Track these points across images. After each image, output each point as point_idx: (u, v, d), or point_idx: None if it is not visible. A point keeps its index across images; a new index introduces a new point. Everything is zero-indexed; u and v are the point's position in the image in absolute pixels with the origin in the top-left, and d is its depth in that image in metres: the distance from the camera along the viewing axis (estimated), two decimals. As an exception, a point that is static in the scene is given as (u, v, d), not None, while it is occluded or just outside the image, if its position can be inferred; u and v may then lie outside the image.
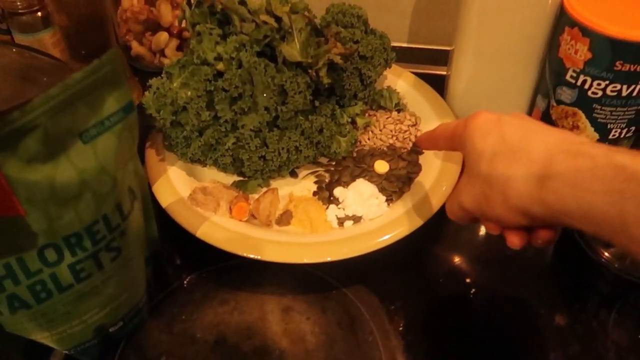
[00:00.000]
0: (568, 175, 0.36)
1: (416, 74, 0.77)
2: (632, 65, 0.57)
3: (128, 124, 0.43)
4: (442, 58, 0.80)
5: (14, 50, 0.57)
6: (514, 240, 0.43)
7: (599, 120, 0.62)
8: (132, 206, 0.47)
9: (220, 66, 0.60)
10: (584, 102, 0.62)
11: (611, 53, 0.57)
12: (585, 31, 0.58)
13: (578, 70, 0.60)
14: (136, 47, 0.80)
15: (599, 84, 0.60)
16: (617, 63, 0.57)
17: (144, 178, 0.50)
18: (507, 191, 0.40)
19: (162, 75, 0.63)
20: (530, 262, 0.60)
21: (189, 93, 0.60)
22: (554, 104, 0.65)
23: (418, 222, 0.57)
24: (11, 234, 0.38)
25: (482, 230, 0.63)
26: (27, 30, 0.70)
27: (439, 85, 0.76)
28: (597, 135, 0.64)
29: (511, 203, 0.40)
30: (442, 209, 0.58)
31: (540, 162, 0.39)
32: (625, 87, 0.59)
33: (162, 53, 0.81)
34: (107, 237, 0.44)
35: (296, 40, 0.59)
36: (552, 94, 0.65)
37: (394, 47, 0.71)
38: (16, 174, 0.36)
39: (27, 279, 0.41)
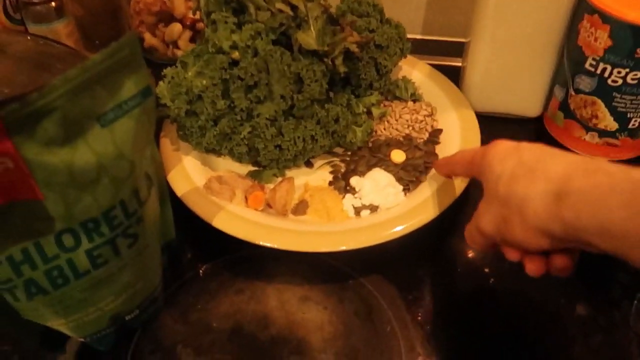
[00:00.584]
0: (585, 191, 0.36)
1: (431, 65, 0.77)
2: (653, 53, 0.56)
3: (146, 109, 0.42)
4: (457, 50, 0.80)
5: (29, 38, 0.57)
6: (533, 267, 0.43)
7: (618, 109, 0.62)
8: (149, 192, 0.46)
9: (235, 55, 0.60)
10: (603, 90, 0.61)
11: (632, 40, 0.56)
12: (606, 18, 0.57)
13: (598, 58, 0.60)
14: (149, 39, 0.80)
15: (619, 72, 0.59)
16: (639, 50, 0.56)
17: (161, 165, 0.50)
18: (525, 210, 0.40)
19: (177, 65, 0.62)
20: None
21: (204, 82, 0.59)
22: (573, 93, 0.65)
23: (435, 212, 0.56)
24: (29, 218, 0.38)
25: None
26: (41, 20, 0.70)
27: (454, 76, 0.75)
28: (616, 125, 0.63)
29: (529, 222, 0.40)
30: (460, 199, 0.58)
31: (557, 180, 0.39)
32: (646, 75, 0.58)
33: (175, 45, 0.80)
34: (124, 223, 0.43)
35: (312, 28, 0.59)
36: (570, 83, 0.64)
37: (409, 39, 0.70)
38: (35, 156, 0.36)
39: (44, 264, 0.41)
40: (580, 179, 0.37)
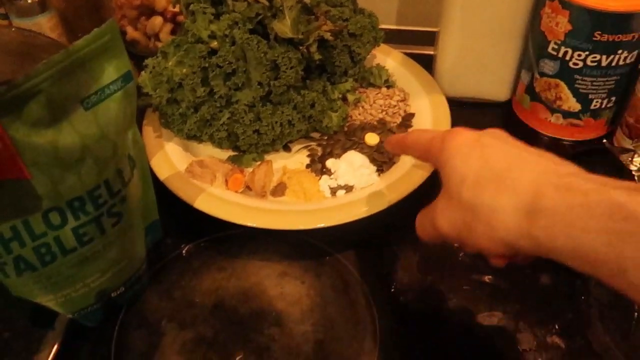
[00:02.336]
0: (559, 212, 0.34)
1: (405, 54, 0.79)
2: (610, 36, 0.59)
3: (127, 93, 0.44)
4: (430, 39, 0.82)
5: (13, 29, 0.58)
6: (498, 262, 0.42)
7: (580, 90, 0.65)
8: (132, 173, 0.48)
9: (214, 44, 0.62)
10: (565, 73, 0.64)
11: (590, 24, 0.59)
12: (565, 4, 0.60)
13: (559, 42, 0.63)
14: (131, 32, 0.82)
15: (579, 55, 0.62)
16: (596, 34, 0.59)
17: (143, 147, 0.52)
18: (493, 222, 0.38)
19: (158, 55, 0.64)
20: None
21: (184, 70, 0.61)
22: (538, 77, 0.67)
23: (408, 190, 0.59)
24: (17, 196, 0.40)
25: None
26: (24, 14, 0.71)
27: (428, 64, 0.78)
28: (579, 106, 0.66)
29: (497, 236, 0.38)
30: (430, 178, 0.60)
31: (527, 193, 0.37)
32: (604, 57, 0.61)
33: (156, 37, 0.82)
34: (109, 202, 0.45)
35: (287, 17, 0.61)
36: (535, 67, 0.67)
37: (382, 29, 0.72)
38: (22, 137, 0.38)
39: (32, 241, 0.42)
40: (552, 195, 0.35)
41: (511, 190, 0.37)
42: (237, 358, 0.50)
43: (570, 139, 0.70)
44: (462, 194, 0.40)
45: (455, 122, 0.67)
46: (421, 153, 0.48)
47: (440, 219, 0.43)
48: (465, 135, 0.43)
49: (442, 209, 0.43)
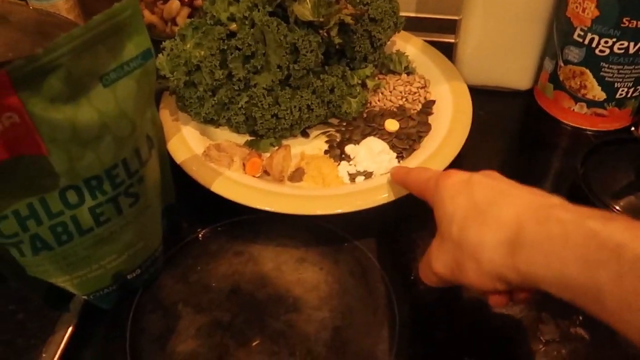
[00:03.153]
0: (539, 243, 0.35)
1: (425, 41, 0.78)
2: (639, 22, 0.58)
3: (146, 71, 0.43)
4: (450, 27, 0.81)
5: (31, 8, 0.58)
6: (497, 300, 0.41)
7: (606, 79, 0.63)
8: (150, 154, 0.48)
9: (233, 26, 0.61)
10: (591, 60, 0.63)
11: (618, 9, 0.58)
12: (593, -12, 0.59)
13: (585, 29, 0.61)
14: (148, 16, 0.81)
15: (606, 42, 0.60)
16: (625, 20, 0.58)
17: (161, 128, 0.51)
18: (479, 257, 0.39)
19: (175, 38, 0.64)
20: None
21: (202, 52, 0.61)
22: (562, 64, 0.66)
23: (428, 177, 0.57)
24: (34, 173, 0.39)
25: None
26: (41, -4, 0.71)
27: (447, 53, 0.77)
28: (604, 95, 0.65)
29: (484, 269, 0.39)
30: (452, 165, 0.59)
31: (510, 227, 0.37)
32: (632, 44, 0.60)
33: (173, 22, 0.81)
34: (126, 182, 0.45)
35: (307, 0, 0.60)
36: (559, 55, 0.66)
37: (402, 16, 0.71)
38: (40, 112, 0.37)
39: (49, 220, 0.42)
40: (533, 228, 0.36)
41: (494, 224, 0.38)
42: (254, 343, 0.49)
43: (594, 128, 0.69)
44: (452, 233, 0.41)
45: (476, 110, 0.66)
46: (419, 192, 0.50)
47: (435, 262, 0.43)
48: (457, 176, 0.44)
49: (436, 252, 0.44)
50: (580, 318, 0.50)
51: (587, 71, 0.64)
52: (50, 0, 0.71)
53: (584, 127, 0.69)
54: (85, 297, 0.50)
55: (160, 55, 0.63)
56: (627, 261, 0.31)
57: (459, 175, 0.44)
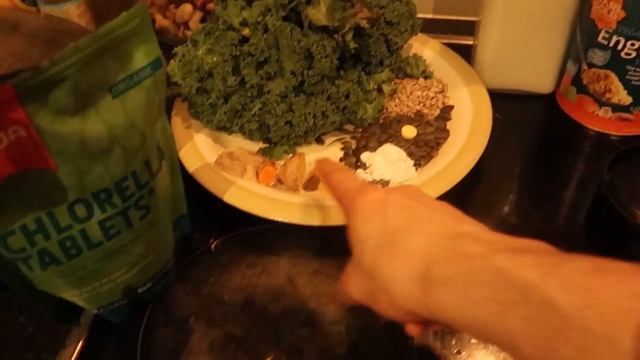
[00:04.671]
0: (448, 281, 0.33)
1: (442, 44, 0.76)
2: (667, 24, 0.56)
3: (156, 81, 0.42)
4: (468, 28, 0.80)
5: (42, 15, 0.57)
6: (412, 330, 0.39)
7: (632, 82, 0.61)
8: (161, 165, 0.47)
9: (245, 31, 0.60)
10: (616, 64, 0.61)
11: (646, 11, 0.56)
12: (619, -11, 0.57)
13: (611, 31, 0.59)
14: (160, 20, 0.80)
15: (632, 44, 0.58)
16: (653, 21, 0.56)
17: (172, 138, 0.50)
18: (391, 292, 0.36)
19: (187, 43, 0.63)
20: (563, 226, 0.59)
21: (215, 58, 0.60)
22: (586, 68, 0.64)
23: (447, 185, 0.56)
24: (42, 187, 0.38)
25: (513, 195, 0.62)
26: (52, 1, 0.70)
27: (466, 55, 0.75)
28: (630, 99, 0.63)
29: (397, 304, 0.36)
30: (472, 173, 0.57)
31: (419, 260, 0.35)
32: (660, 47, 0.57)
33: (186, 26, 0.81)
34: (136, 195, 0.44)
35: (322, 4, 0.59)
36: (583, 57, 0.64)
37: (419, 18, 0.70)
38: (47, 125, 0.36)
39: (57, 234, 0.41)
40: (442, 263, 0.33)
41: (405, 256, 0.36)
42: (268, 359, 0.48)
43: (619, 133, 0.67)
44: (364, 260, 0.38)
45: (496, 115, 0.64)
46: (336, 198, 0.46)
47: (349, 286, 0.41)
48: (373, 195, 0.40)
49: (350, 275, 0.41)
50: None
51: (612, 74, 0.62)
52: (61, 6, 0.71)
53: (608, 132, 0.67)
54: (95, 310, 0.49)
55: (172, 61, 0.62)
56: (536, 304, 0.28)
57: (375, 194, 0.40)
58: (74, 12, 0.72)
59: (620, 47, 0.59)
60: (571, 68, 0.67)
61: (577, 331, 0.26)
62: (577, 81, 0.66)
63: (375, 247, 0.38)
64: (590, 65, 0.63)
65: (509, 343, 0.29)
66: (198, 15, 0.80)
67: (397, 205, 0.39)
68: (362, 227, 0.39)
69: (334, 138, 0.66)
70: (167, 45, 0.80)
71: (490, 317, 0.30)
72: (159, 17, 0.80)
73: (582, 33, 0.63)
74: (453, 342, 0.43)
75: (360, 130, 0.66)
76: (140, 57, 0.41)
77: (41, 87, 0.35)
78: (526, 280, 0.29)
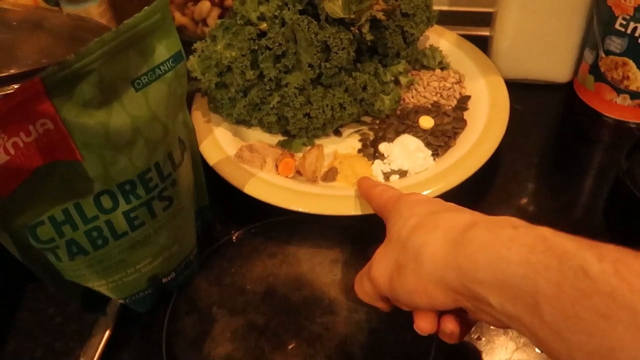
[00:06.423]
0: (485, 241, 0.34)
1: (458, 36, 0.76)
2: (686, 9, 0.55)
3: (178, 74, 0.43)
4: (484, 19, 0.80)
5: (64, 13, 0.58)
6: (422, 324, 0.39)
7: (650, 69, 0.61)
8: (183, 157, 0.47)
9: (263, 26, 0.60)
10: (634, 50, 0.61)
11: (664, -4, 0.55)
12: (636, -25, 0.56)
13: (628, 18, 0.59)
14: (179, 18, 0.81)
15: (650, 31, 0.58)
16: (671, 7, 0.56)
17: (193, 130, 0.51)
18: (422, 256, 0.37)
19: (206, 39, 0.63)
20: (582, 215, 0.59)
21: (233, 53, 0.60)
22: (603, 55, 0.64)
23: (464, 175, 0.56)
24: (69, 179, 0.39)
25: (531, 184, 0.62)
26: (74, 1, 0.71)
27: (482, 46, 0.75)
28: (649, 86, 0.62)
29: (424, 270, 0.36)
30: (489, 163, 0.58)
31: (459, 228, 0.36)
32: (678, 32, 0.57)
33: (204, 23, 0.81)
34: (160, 186, 0.45)
35: (338, -4, 0.59)
36: (600, 45, 0.64)
37: (435, 10, 0.70)
38: (73, 118, 0.37)
39: (84, 225, 0.42)
40: (483, 229, 0.35)
41: (445, 226, 0.37)
42: (290, 347, 0.48)
43: (637, 121, 0.66)
44: (400, 235, 0.40)
45: (513, 105, 0.64)
46: (379, 209, 0.48)
47: (375, 267, 0.41)
48: (417, 195, 0.45)
49: (379, 257, 0.42)
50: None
51: (630, 61, 0.61)
52: (82, 5, 0.72)
53: (627, 120, 0.67)
54: (121, 300, 0.50)
55: (191, 57, 0.63)
56: (569, 269, 0.29)
57: (419, 195, 0.45)
58: (95, 11, 0.73)
59: (638, 33, 0.59)
60: (588, 56, 0.67)
61: (601, 297, 0.27)
62: (594, 69, 0.66)
63: (417, 222, 0.39)
64: (608, 53, 0.63)
65: (531, 308, 0.30)
66: (216, 11, 0.81)
67: (443, 202, 0.42)
68: (406, 210, 0.41)
69: (352, 130, 0.66)
70: (186, 42, 0.81)
71: (522, 279, 0.31)
72: (177, 15, 0.81)
73: (599, 20, 0.63)
74: (473, 327, 0.43)
75: (378, 121, 0.66)
76: (162, 51, 0.42)
77: (68, 80, 0.36)
78: (565, 247, 0.30)
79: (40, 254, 0.43)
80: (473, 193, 0.59)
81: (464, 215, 0.38)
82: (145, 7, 0.40)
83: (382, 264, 0.41)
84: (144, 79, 0.41)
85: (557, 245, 0.30)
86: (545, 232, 0.32)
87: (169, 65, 0.43)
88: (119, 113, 0.40)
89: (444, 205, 0.42)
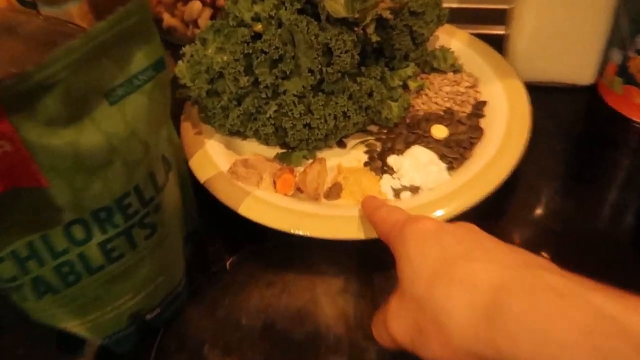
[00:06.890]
0: (526, 316, 0.28)
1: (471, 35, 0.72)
2: None
3: (159, 83, 0.39)
4: (499, 17, 0.75)
5: (41, 17, 0.54)
6: None
7: (686, 71, 0.56)
8: (167, 177, 0.43)
9: (258, 27, 0.56)
10: (669, 50, 0.55)
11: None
12: (673, -34, 0.51)
13: (663, 14, 0.54)
14: (168, 19, 0.77)
15: (687, 28, 0.53)
16: None
17: (180, 147, 0.46)
18: (447, 325, 0.31)
19: (196, 42, 0.59)
20: (609, 230, 0.54)
21: (225, 57, 0.56)
22: (633, 55, 0.59)
23: (484, 191, 0.51)
24: (34, 208, 0.35)
25: (553, 198, 0.57)
26: (53, 2, 0.67)
27: (497, 46, 0.70)
28: (683, 90, 0.57)
29: (453, 343, 0.31)
30: (510, 177, 0.53)
31: (486, 289, 0.31)
32: None
33: (195, 24, 0.77)
34: (141, 212, 0.40)
35: (341, -6, 0.55)
36: (629, 44, 0.59)
37: (446, 7, 0.65)
38: (36, 138, 0.33)
39: (53, 259, 0.38)
40: (517, 293, 0.29)
41: (466, 285, 0.32)
42: (291, 391, 0.43)
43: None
44: (415, 290, 0.34)
45: (533, 110, 0.59)
46: (384, 234, 0.42)
47: (392, 323, 0.36)
48: (426, 223, 0.38)
49: (395, 310, 0.37)
50: None
51: (663, 63, 0.57)
52: (61, 7, 0.68)
53: (658, 126, 0.62)
54: (100, 340, 0.45)
55: (180, 62, 0.59)
56: None
57: (429, 223, 0.38)
58: (75, 13, 0.68)
59: (673, 31, 0.54)
60: (616, 56, 0.62)
61: None
62: (622, 71, 0.61)
63: (431, 273, 0.34)
64: (638, 53, 0.58)
65: None
66: (208, 12, 0.77)
67: (455, 233, 0.36)
68: (415, 253, 0.36)
69: (357, 140, 0.61)
70: (176, 45, 0.76)
71: None
72: (166, 16, 0.77)
73: (628, 17, 0.59)
74: None
75: (386, 131, 0.62)
76: (140, 59, 0.37)
77: (28, 94, 0.32)
78: (633, 328, 0.25)
79: (3, 292, 0.39)
80: (490, 209, 0.54)
81: (484, 268, 0.32)
82: (120, 8, 0.35)
83: (399, 321, 0.36)
84: (120, 90, 0.36)
85: (625, 323, 0.25)
86: (596, 298, 0.27)
87: (149, 74, 0.38)
88: (91, 131, 0.35)
89: (455, 243, 0.35)
